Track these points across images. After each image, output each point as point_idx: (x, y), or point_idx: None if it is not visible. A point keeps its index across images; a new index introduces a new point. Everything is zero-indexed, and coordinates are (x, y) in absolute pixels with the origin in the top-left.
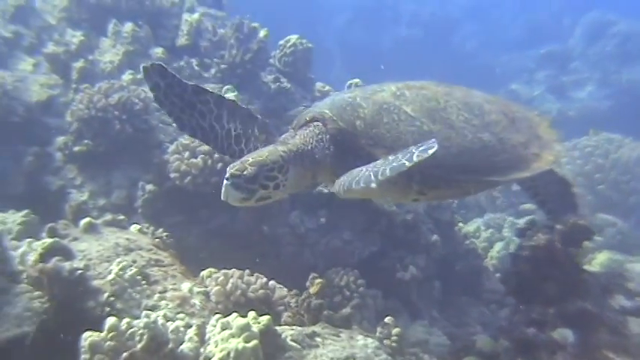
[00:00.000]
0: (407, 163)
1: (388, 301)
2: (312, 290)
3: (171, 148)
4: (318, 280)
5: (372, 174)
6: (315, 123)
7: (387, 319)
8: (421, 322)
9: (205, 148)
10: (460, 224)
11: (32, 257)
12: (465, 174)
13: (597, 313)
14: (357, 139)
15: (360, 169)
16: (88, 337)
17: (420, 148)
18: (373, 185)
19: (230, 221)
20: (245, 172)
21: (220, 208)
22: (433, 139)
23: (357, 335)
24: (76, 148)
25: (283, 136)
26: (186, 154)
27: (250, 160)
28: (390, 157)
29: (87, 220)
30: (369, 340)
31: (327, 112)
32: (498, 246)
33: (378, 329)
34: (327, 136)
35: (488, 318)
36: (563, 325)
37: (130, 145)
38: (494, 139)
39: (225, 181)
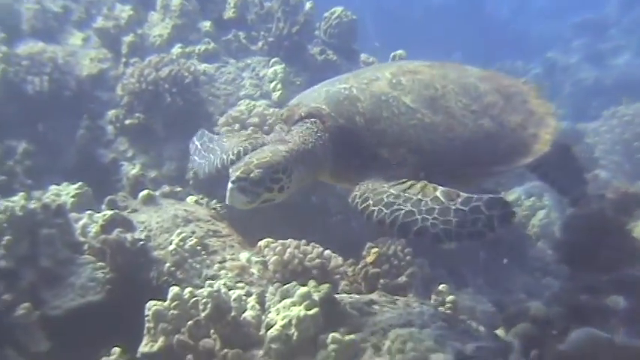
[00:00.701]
0: (488, 232)
1: (434, 270)
2: (368, 259)
3: (221, 120)
4: (375, 250)
5: (441, 232)
6: (312, 120)
7: (441, 287)
8: (467, 290)
9: (255, 120)
10: (502, 193)
11: (93, 229)
12: (469, 166)
13: None
14: (358, 137)
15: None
16: (152, 307)
17: (497, 213)
18: (442, 245)
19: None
20: (251, 175)
21: None
22: (501, 196)
23: (413, 303)
24: (128, 121)
25: (274, 133)
26: (236, 126)
27: (255, 161)
28: (454, 218)
29: (146, 192)
30: (425, 307)
31: (325, 107)
32: (540, 214)
33: (433, 297)
34: (326, 135)
35: (532, 285)
36: (615, 293)
37: (181, 117)
38: (495, 125)
39: (230, 185)
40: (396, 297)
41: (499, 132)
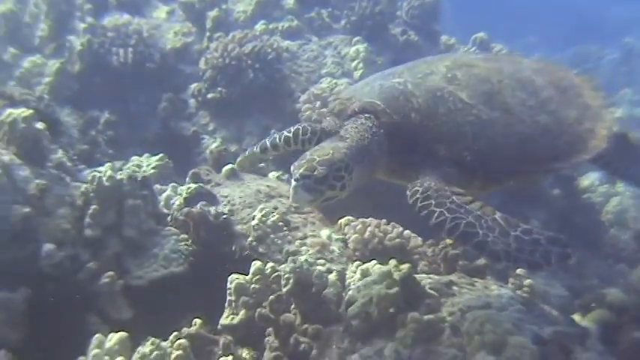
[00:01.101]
0: (544, 265)
1: None
2: (449, 240)
3: (303, 97)
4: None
5: (501, 251)
6: (366, 115)
7: (518, 271)
8: (540, 274)
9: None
10: (579, 180)
11: (177, 201)
12: (528, 164)
13: None
14: (413, 134)
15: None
16: (234, 280)
17: (557, 251)
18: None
19: None
20: (315, 173)
21: None
22: (562, 237)
23: (491, 285)
24: (210, 95)
25: (326, 123)
26: (318, 103)
27: (317, 158)
28: (513, 243)
29: (229, 166)
30: (504, 290)
31: (379, 103)
32: (614, 201)
33: (511, 280)
34: (381, 131)
35: (605, 271)
36: None
37: (262, 93)
38: (552, 120)
39: (293, 183)
40: (475, 279)
41: (556, 128)
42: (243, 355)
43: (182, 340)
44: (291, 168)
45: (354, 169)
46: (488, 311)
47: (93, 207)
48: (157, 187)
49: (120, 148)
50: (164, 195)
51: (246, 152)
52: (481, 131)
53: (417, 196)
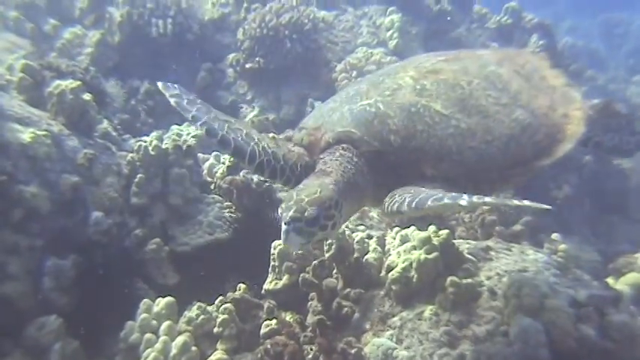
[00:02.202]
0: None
1: (541, 219)
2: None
3: (339, 66)
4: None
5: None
6: (344, 146)
7: (553, 236)
8: (572, 239)
9: (372, 67)
10: None
11: (219, 170)
12: (515, 167)
13: None
14: (396, 158)
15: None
16: (277, 246)
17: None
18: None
19: None
20: (306, 214)
21: None
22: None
23: (527, 250)
24: (248, 65)
25: (293, 152)
26: (354, 73)
27: (306, 198)
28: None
29: (271, 135)
30: (539, 255)
31: (355, 131)
32: None
33: (546, 245)
34: (362, 160)
35: (636, 236)
36: None
37: (299, 63)
38: (528, 114)
39: (284, 227)
40: (511, 244)
41: (534, 122)
42: (287, 318)
43: (227, 305)
44: (279, 210)
45: (343, 205)
46: (525, 275)
47: (139, 175)
48: (200, 155)
49: (159, 118)
50: (207, 164)
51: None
52: (464, 142)
53: (392, 202)
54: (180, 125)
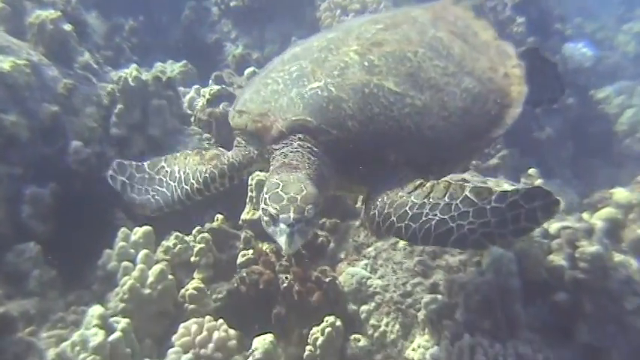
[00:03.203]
0: (533, 226)
1: (523, 159)
2: None
3: (323, 5)
4: None
5: (482, 238)
6: (300, 136)
7: (530, 171)
8: (554, 181)
9: (357, 6)
10: (593, 90)
11: (200, 102)
12: (474, 140)
13: None
14: (356, 144)
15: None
16: (254, 177)
17: (540, 204)
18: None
19: None
20: (306, 214)
21: None
22: (539, 186)
23: (503, 183)
24: (232, 3)
25: (238, 148)
26: (338, 11)
27: (297, 196)
28: (492, 219)
29: (251, 69)
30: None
31: (310, 119)
32: (629, 112)
33: (522, 179)
34: (322, 149)
35: (617, 179)
36: None
37: (284, 1)
38: (476, 82)
39: (287, 229)
40: (487, 178)
41: (482, 90)
42: (264, 248)
43: (204, 234)
44: (268, 213)
45: (320, 200)
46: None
47: (119, 106)
48: (181, 89)
49: (144, 55)
50: (187, 97)
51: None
52: (422, 121)
53: (377, 220)
54: (164, 63)
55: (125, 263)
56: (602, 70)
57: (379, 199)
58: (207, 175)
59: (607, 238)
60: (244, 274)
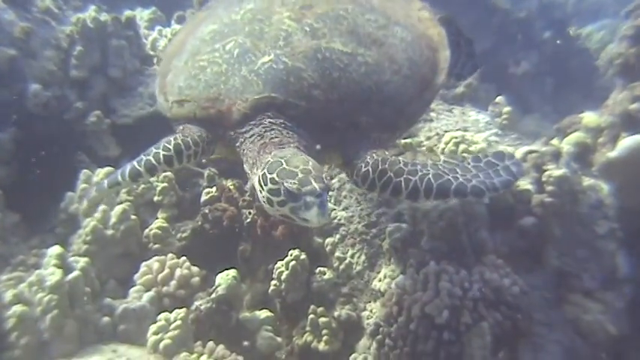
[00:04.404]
0: (514, 180)
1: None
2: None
3: None
4: None
5: (480, 184)
6: (268, 114)
7: (497, 99)
8: (533, 116)
9: None
10: (573, 28)
11: (162, 42)
12: (425, 89)
13: None
14: (325, 113)
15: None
16: None
17: (510, 162)
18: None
19: None
20: (326, 182)
21: None
22: (501, 150)
23: (469, 111)
24: None
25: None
26: None
27: (310, 168)
28: (479, 172)
29: None
30: (481, 115)
31: (275, 95)
32: (610, 48)
33: (490, 107)
34: (295, 123)
35: (597, 110)
36: None
37: None
38: (405, 30)
39: (317, 200)
40: (453, 106)
41: (412, 37)
42: (227, 185)
43: (167, 173)
44: (284, 190)
45: None
46: (464, 133)
47: (78, 48)
48: (145, 31)
49: (113, 4)
50: (150, 38)
51: (106, 183)
52: (380, 78)
53: (371, 176)
54: (133, 10)
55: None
56: (585, 9)
57: (367, 158)
58: (179, 141)
59: (576, 162)
60: (207, 211)
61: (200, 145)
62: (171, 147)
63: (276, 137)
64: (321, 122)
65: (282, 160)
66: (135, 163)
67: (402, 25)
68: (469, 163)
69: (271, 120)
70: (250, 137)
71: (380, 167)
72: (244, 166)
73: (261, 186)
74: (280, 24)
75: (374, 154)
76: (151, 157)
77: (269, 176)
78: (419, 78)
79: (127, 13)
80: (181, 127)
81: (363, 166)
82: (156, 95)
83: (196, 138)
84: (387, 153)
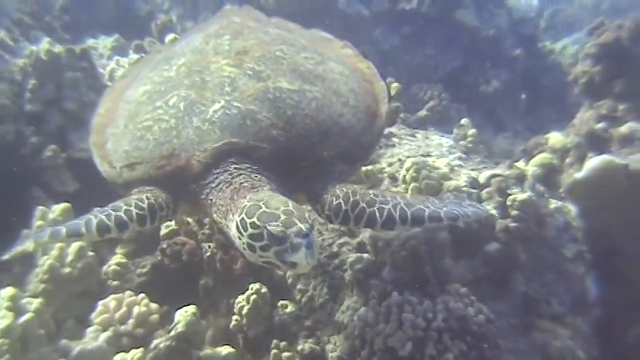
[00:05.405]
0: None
1: (472, 115)
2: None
3: None
4: (395, 85)
5: (454, 210)
6: (231, 160)
7: (462, 121)
8: (505, 135)
9: None
10: (547, 43)
11: (120, 73)
12: (374, 117)
13: None
14: (288, 151)
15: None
16: None
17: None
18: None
19: None
20: (310, 221)
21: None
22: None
23: (432, 135)
24: None
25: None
26: None
27: (291, 209)
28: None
29: (172, 36)
30: (444, 139)
31: (236, 140)
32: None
33: (454, 130)
34: (260, 167)
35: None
36: (633, 120)
37: None
38: (339, 64)
39: (304, 241)
40: (416, 130)
41: (347, 69)
42: (186, 218)
43: None
44: (267, 234)
45: None
46: (424, 159)
47: (32, 81)
48: (103, 62)
49: (76, 33)
50: (108, 68)
51: (64, 231)
52: (331, 111)
53: (344, 208)
54: (96, 39)
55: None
56: (559, 22)
57: (337, 191)
58: (152, 201)
59: (542, 184)
60: (165, 246)
61: (170, 206)
62: (145, 206)
63: (247, 181)
64: (286, 162)
65: (261, 203)
66: (103, 216)
67: (335, 60)
68: (434, 201)
69: (237, 166)
70: (217, 186)
71: (352, 199)
72: (214, 216)
73: (240, 232)
74: (221, 72)
75: (343, 188)
76: (122, 214)
77: (248, 221)
78: (365, 108)
79: (81, 46)
80: (137, 190)
81: (334, 199)
82: (98, 166)
83: (165, 198)
84: (355, 186)
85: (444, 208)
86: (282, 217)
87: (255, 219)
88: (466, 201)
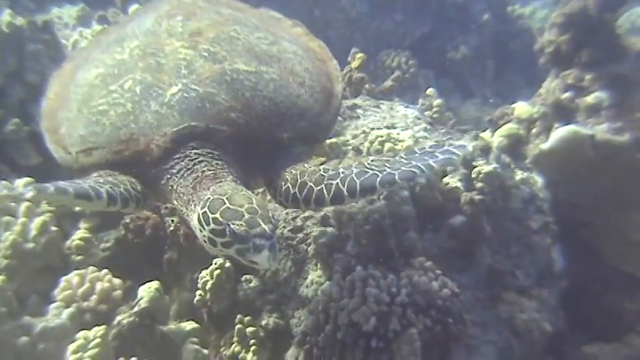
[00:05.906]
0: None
1: (440, 82)
2: (353, 64)
3: None
4: (359, 55)
5: (414, 168)
6: (191, 145)
7: (428, 91)
8: (473, 101)
9: None
10: (516, 7)
11: (83, 44)
12: (330, 97)
13: (633, 77)
14: (248, 133)
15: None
16: None
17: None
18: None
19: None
20: (273, 221)
21: None
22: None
23: (397, 106)
24: None
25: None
26: None
27: (256, 207)
28: (413, 155)
29: (136, 6)
30: (410, 110)
31: (196, 123)
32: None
33: (420, 101)
34: (221, 150)
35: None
36: (599, 89)
37: None
38: (292, 43)
39: (267, 243)
40: (381, 101)
41: (300, 49)
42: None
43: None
44: (229, 232)
45: None
46: (390, 131)
47: None
48: (67, 32)
49: (41, 1)
50: (71, 40)
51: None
52: (288, 92)
53: (292, 190)
54: (61, 8)
55: (6, 218)
56: None
57: (286, 175)
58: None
59: (508, 155)
60: (128, 221)
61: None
62: (130, 195)
63: (210, 170)
64: (245, 146)
65: (224, 198)
66: (108, 187)
67: (288, 40)
68: (402, 157)
69: (197, 151)
70: (178, 172)
71: (299, 180)
72: (174, 202)
73: (201, 225)
74: (176, 54)
75: (292, 170)
76: (122, 190)
77: (211, 216)
78: (321, 88)
79: (43, 17)
80: (98, 173)
81: (283, 183)
82: (52, 152)
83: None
84: (306, 165)
85: (403, 168)
86: (246, 215)
87: (218, 215)
88: (444, 147)
